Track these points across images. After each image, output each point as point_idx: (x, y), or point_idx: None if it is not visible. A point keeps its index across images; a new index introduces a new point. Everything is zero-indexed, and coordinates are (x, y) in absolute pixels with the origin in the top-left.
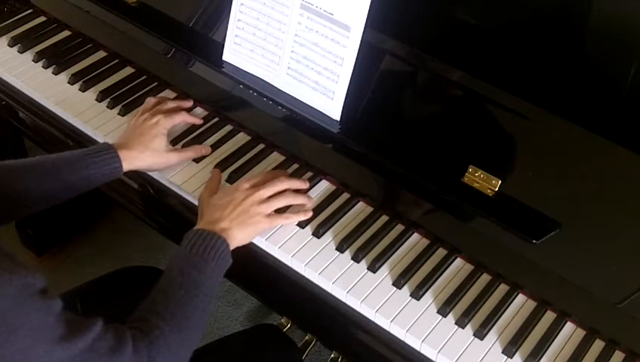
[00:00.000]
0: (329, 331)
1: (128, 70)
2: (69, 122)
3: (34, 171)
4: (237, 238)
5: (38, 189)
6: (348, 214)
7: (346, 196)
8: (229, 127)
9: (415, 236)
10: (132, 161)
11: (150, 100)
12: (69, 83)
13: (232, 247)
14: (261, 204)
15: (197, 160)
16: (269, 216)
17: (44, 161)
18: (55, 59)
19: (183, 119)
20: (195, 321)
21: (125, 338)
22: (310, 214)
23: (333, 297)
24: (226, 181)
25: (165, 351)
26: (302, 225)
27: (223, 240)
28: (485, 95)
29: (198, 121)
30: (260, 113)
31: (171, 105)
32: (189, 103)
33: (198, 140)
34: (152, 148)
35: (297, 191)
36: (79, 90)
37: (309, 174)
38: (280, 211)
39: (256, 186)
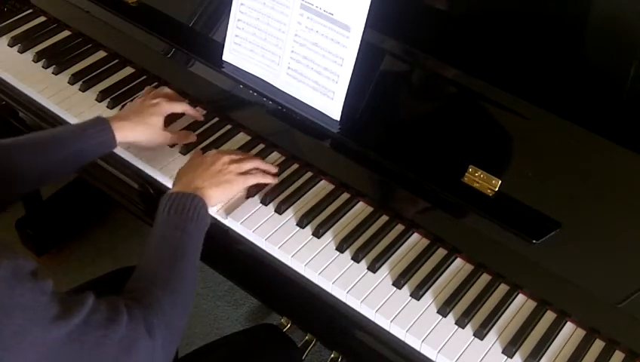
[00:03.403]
0: (329, 331)
1: (128, 70)
2: (69, 122)
3: (25, 148)
4: (212, 197)
5: (30, 166)
6: (348, 214)
7: (346, 196)
8: (228, 127)
9: (415, 236)
10: (125, 131)
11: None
12: (69, 83)
13: (209, 206)
14: (231, 163)
15: None
16: (240, 175)
17: (35, 137)
18: (55, 59)
19: (184, 109)
20: (186, 283)
21: (119, 308)
22: (277, 179)
23: (333, 297)
24: None
25: (161, 315)
26: (302, 224)
27: (200, 198)
28: (485, 95)
29: (199, 117)
30: (260, 113)
31: (172, 94)
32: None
33: (198, 140)
34: (147, 123)
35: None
36: (79, 90)
37: (309, 174)
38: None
39: (226, 152)
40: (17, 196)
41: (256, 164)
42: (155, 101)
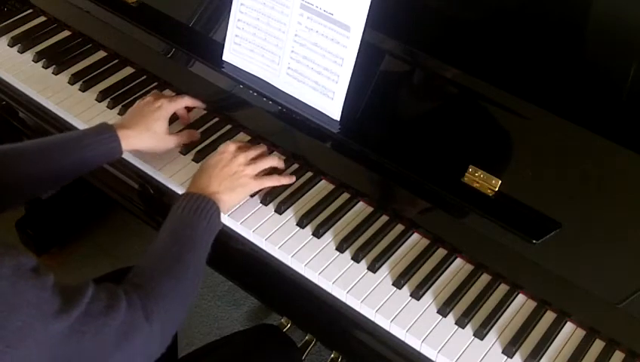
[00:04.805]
0: (329, 331)
1: (128, 70)
2: (69, 122)
3: (31, 155)
4: (226, 201)
5: (36, 173)
6: (348, 214)
7: (346, 196)
8: (229, 127)
9: (415, 236)
10: (131, 140)
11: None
12: (69, 83)
13: (223, 210)
14: (247, 166)
15: (197, 160)
16: (255, 177)
17: (42, 143)
18: (55, 59)
19: (186, 103)
20: (189, 273)
21: (118, 295)
22: (294, 178)
23: (334, 297)
24: None
25: (160, 300)
26: (302, 224)
27: (213, 202)
28: (485, 95)
29: (201, 105)
30: (260, 113)
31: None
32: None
33: (198, 140)
34: (152, 130)
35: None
36: (79, 90)
37: (309, 174)
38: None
39: (243, 149)
40: (17, 202)
41: (271, 162)
42: (157, 104)
